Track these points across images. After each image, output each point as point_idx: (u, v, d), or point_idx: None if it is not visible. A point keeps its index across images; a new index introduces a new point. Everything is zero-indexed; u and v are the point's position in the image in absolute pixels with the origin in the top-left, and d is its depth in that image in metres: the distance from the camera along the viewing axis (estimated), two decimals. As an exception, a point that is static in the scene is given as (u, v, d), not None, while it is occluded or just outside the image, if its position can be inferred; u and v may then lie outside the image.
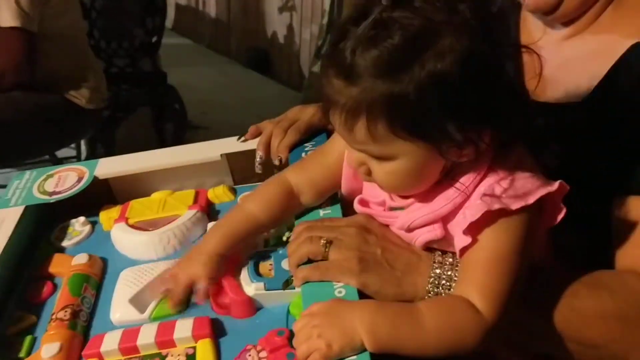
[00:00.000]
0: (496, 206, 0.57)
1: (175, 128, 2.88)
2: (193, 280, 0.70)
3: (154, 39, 2.89)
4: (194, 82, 3.58)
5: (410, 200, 0.65)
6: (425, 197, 0.63)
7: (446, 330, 0.57)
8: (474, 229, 0.58)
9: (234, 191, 0.92)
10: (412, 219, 0.63)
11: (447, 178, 0.61)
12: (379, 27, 0.54)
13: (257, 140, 0.91)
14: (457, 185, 0.60)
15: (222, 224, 0.75)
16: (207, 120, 3.22)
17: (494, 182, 0.59)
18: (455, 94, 0.53)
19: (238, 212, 0.75)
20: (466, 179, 0.60)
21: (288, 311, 0.70)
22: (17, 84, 1.80)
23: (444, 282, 0.63)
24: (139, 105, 2.74)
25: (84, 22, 2.16)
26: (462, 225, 0.58)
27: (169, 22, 4.36)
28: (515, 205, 0.57)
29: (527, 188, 0.58)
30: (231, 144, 0.93)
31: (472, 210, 0.58)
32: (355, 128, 0.57)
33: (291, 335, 0.65)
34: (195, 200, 0.88)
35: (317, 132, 0.90)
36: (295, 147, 0.87)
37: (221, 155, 0.91)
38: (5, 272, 0.79)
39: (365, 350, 0.57)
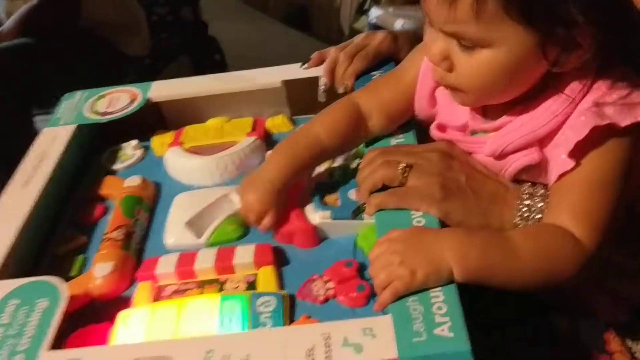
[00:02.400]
0: (605, 121, 0.50)
1: (215, 79, 2.83)
2: (257, 209, 0.65)
3: (195, -13, 2.84)
4: (231, 37, 3.50)
5: (497, 122, 0.58)
6: (518, 117, 0.57)
7: (542, 258, 0.51)
8: (578, 150, 0.52)
9: (293, 122, 0.86)
10: (507, 142, 0.57)
11: (545, 94, 0.55)
12: None
13: (319, 68, 0.85)
14: (560, 100, 0.53)
15: (285, 148, 0.68)
16: (244, 75, 3.15)
17: (599, 97, 0.53)
18: None
19: (302, 136, 0.69)
20: (569, 93, 0.53)
21: (355, 243, 0.65)
22: (61, 25, 1.77)
23: (534, 214, 0.57)
24: (179, 53, 2.69)
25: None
26: (564, 146, 0.52)
27: (207, -23, 4.28)
28: (625, 122, 0.51)
29: (636, 103, 0.52)
30: (292, 71, 0.87)
31: (577, 128, 0.51)
32: (459, 1, 0.50)
33: (360, 267, 0.60)
34: (254, 128, 0.82)
35: (386, 61, 0.83)
36: (362, 75, 0.81)
37: (281, 82, 0.85)
38: (56, 191, 0.75)
39: (451, 281, 0.51)
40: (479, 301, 0.54)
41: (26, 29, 1.75)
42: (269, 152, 0.77)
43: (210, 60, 2.79)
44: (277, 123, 0.85)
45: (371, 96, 0.69)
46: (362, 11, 3.08)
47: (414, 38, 0.80)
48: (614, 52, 0.52)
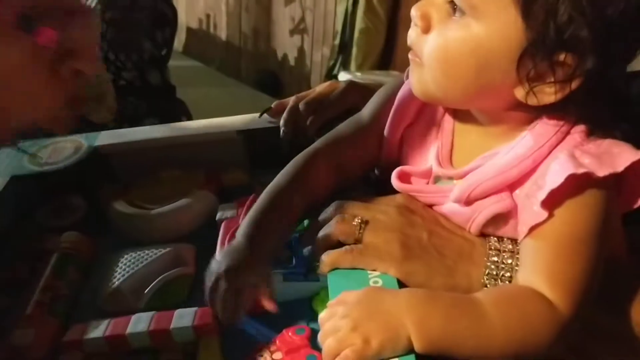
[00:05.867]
0: (581, 170, 0.46)
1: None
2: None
3: (164, 52, 2.83)
4: (203, 103, 3.49)
5: (465, 168, 0.55)
6: (486, 164, 0.53)
7: (516, 327, 0.46)
8: (552, 199, 0.47)
9: (250, 174, 0.81)
10: (473, 185, 0.52)
11: (516, 138, 0.52)
12: None
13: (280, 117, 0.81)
14: (532, 143, 0.50)
15: (259, 214, 0.58)
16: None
17: (576, 145, 0.49)
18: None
19: (270, 196, 0.60)
20: (544, 134, 0.50)
21: (309, 307, 0.59)
22: None
23: (502, 272, 0.53)
24: (145, 117, 2.65)
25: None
26: (537, 195, 0.48)
27: (179, 45, 4.31)
28: (602, 172, 0.46)
29: (614, 153, 0.48)
30: (250, 121, 0.82)
31: (552, 175, 0.47)
32: None
33: (312, 334, 0.54)
34: (206, 181, 0.77)
35: (348, 111, 0.79)
36: (324, 124, 0.77)
37: (237, 132, 0.80)
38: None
39: (411, 350, 0.45)
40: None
41: None
42: (222, 205, 0.72)
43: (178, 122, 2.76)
44: (232, 176, 0.80)
45: (334, 145, 0.65)
46: (331, 76, 3.13)
47: (378, 87, 0.77)
48: (595, 99, 0.49)
